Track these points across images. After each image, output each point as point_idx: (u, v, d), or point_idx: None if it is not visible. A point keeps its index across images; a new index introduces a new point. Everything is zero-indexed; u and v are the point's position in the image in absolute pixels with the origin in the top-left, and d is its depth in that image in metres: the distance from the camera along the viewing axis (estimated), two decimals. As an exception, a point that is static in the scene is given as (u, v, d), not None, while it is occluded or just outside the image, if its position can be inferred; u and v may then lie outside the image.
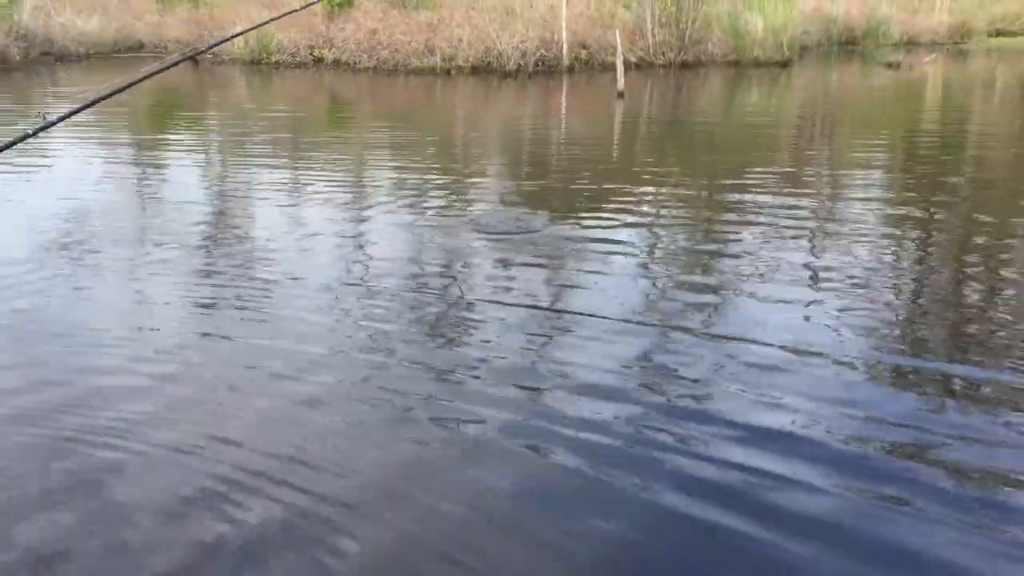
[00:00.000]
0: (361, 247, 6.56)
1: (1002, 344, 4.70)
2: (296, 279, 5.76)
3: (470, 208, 7.86)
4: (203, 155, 11.34)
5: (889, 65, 23.07)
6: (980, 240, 6.94)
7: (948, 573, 2.84)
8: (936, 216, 7.71)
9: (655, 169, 9.88)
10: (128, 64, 22.67)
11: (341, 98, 18.37)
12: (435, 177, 9.36)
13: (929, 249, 6.73)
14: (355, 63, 22.06)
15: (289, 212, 7.79)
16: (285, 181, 9.16)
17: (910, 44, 28.96)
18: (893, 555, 2.92)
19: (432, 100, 17.83)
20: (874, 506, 3.20)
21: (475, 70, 20.97)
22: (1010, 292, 5.61)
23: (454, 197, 8.31)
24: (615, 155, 11.32)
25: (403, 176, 9.45)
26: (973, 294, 5.64)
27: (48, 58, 24.65)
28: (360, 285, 5.62)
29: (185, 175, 9.64)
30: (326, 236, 6.81)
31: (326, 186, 8.82)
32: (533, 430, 3.72)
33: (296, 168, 10.05)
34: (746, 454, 3.52)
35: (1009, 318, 5.10)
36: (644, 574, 2.85)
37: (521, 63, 20.77)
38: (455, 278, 5.84)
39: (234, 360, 4.46)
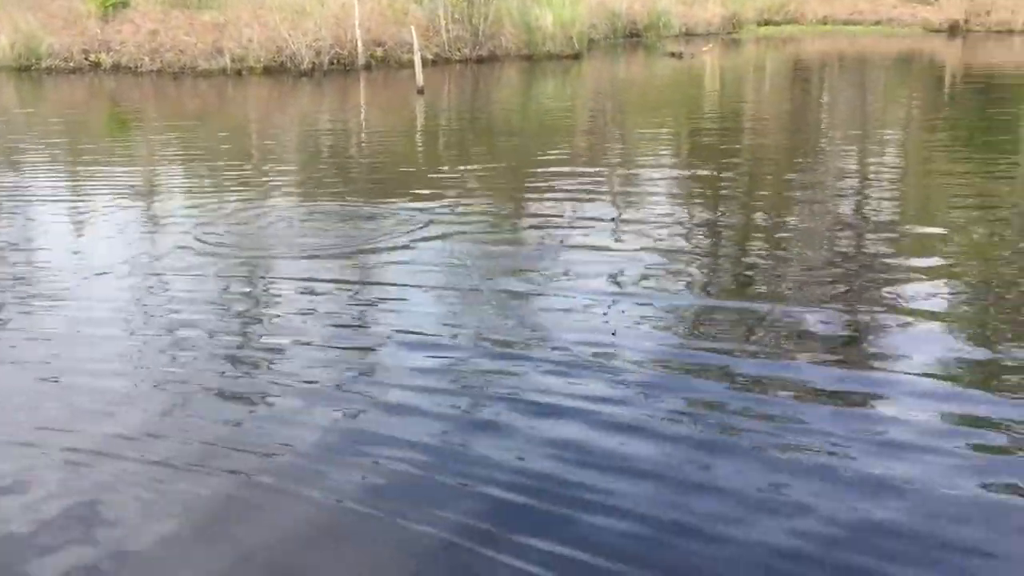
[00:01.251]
0: (148, 257, 6.14)
1: (782, 281, 5.09)
2: (81, 299, 5.19)
3: (269, 215, 7.53)
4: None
5: (672, 55, 24.39)
6: (759, 201, 7.48)
7: (758, 497, 3.00)
8: (721, 182, 8.22)
9: (460, 157, 9.93)
10: None
11: (124, 103, 17.26)
12: (230, 183, 8.92)
13: (715, 208, 7.15)
14: (137, 66, 20.80)
15: (68, 227, 7.11)
16: (63, 193, 8.44)
17: (689, 35, 30.76)
18: (710, 488, 3.05)
19: (224, 103, 17.10)
20: (693, 435, 3.34)
21: (268, 71, 20.32)
22: (786, 242, 6.07)
23: (251, 204, 7.95)
24: (421, 149, 11.29)
25: (194, 183, 8.99)
26: (757, 243, 6.08)
27: None
28: (150, 296, 5.28)
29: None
30: (110, 249, 6.34)
31: (109, 197, 8.17)
32: (353, 406, 3.63)
33: (75, 179, 9.31)
34: (572, 397, 3.58)
35: (785, 262, 5.53)
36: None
37: (316, 62, 20.33)
38: (252, 289, 5.60)
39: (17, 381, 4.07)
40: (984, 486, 2.98)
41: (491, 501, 2.95)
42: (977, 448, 3.23)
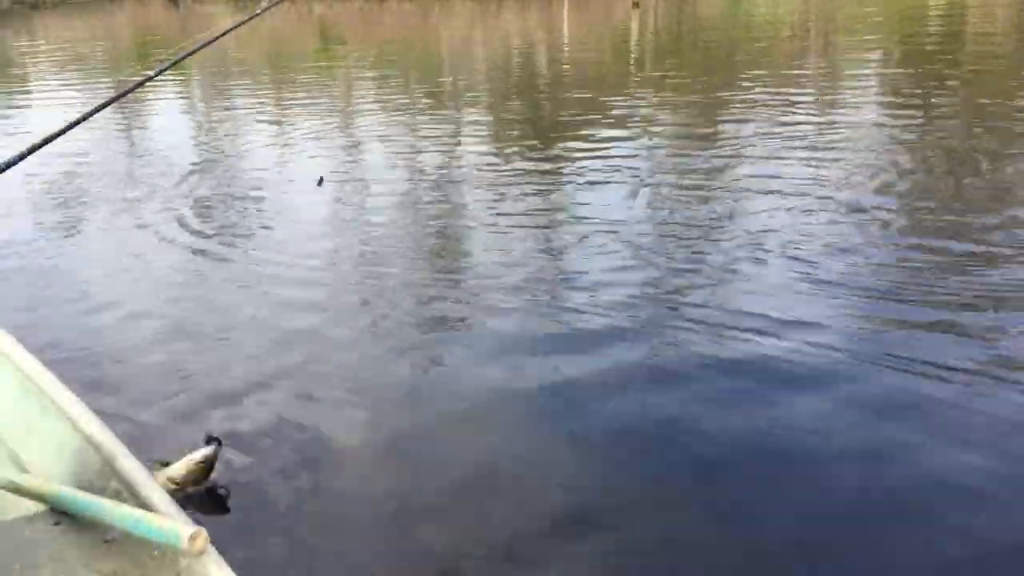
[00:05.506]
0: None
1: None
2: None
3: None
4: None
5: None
6: (980, 118, 6.70)
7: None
8: (936, 98, 7.43)
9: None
10: (101, 8, 22.05)
11: (333, 32, 17.68)
12: (431, 109, 8.72)
13: (925, 130, 6.14)
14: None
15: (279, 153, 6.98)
16: (271, 121, 8.52)
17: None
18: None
19: (427, 23, 17.09)
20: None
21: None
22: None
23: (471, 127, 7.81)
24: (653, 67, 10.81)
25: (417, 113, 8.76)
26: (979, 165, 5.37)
27: (21, 6, 24.04)
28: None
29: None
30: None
31: (307, 121, 8.20)
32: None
33: (280, 108, 9.35)
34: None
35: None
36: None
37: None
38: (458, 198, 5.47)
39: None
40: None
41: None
42: None
